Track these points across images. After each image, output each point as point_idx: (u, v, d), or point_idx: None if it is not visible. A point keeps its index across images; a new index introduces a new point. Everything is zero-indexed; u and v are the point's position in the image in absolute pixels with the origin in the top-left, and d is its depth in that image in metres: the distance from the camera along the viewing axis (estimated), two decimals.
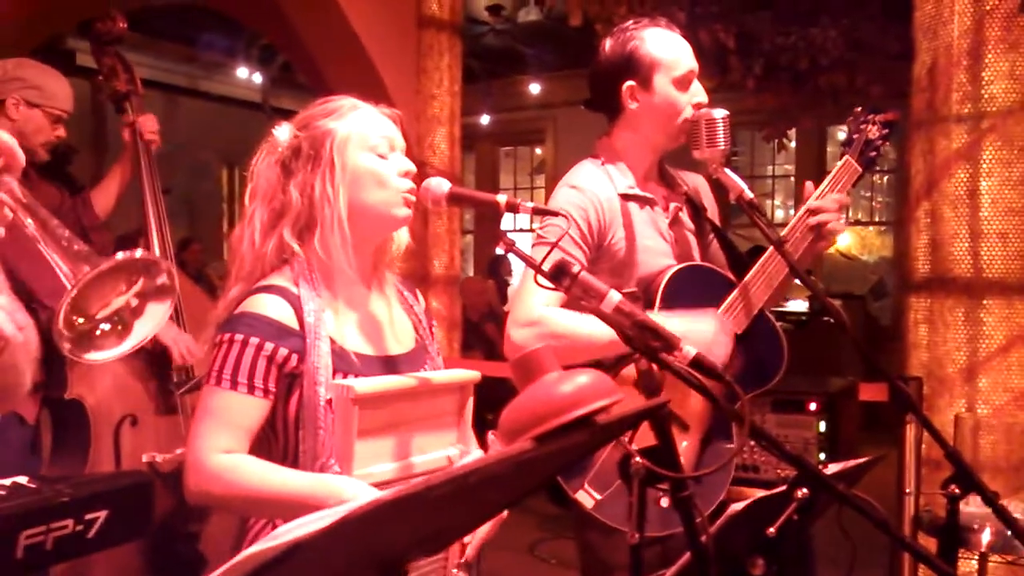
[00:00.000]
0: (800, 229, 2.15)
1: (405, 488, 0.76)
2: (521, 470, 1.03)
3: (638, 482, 1.29)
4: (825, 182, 2.24)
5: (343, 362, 1.61)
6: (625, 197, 2.18)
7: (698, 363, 1.34)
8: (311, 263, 1.65)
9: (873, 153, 2.27)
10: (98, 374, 2.85)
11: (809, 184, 2.22)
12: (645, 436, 1.32)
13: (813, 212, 2.15)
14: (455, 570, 1.68)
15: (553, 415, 1.05)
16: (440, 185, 1.62)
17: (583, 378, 1.11)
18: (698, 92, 2.17)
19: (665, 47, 2.16)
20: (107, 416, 2.81)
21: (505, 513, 1.72)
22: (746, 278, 2.16)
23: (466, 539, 1.71)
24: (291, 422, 1.60)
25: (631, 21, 2.22)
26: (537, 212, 1.66)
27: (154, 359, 2.94)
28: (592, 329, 1.85)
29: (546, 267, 1.45)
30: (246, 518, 1.69)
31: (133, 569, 2.72)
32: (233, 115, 10.80)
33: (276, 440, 1.63)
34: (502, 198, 1.57)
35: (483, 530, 1.73)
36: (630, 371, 1.47)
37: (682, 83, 2.15)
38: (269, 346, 1.57)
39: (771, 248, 2.11)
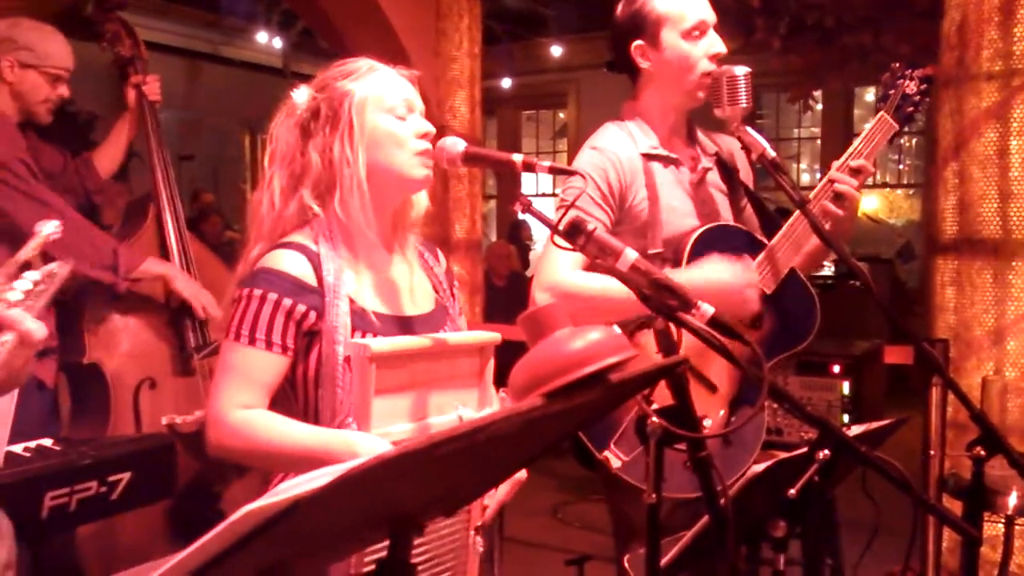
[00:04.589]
0: (822, 198, 2.12)
1: (408, 444, 0.75)
2: (531, 428, 1.02)
3: (655, 442, 1.28)
4: (859, 139, 2.20)
5: (362, 321, 1.62)
6: (648, 157, 2.15)
7: (716, 322, 1.32)
8: (331, 224, 1.66)
9: (911, 109, 2.22)
10: (116, 338, 2.87)
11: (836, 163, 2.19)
12: (668, 395, 1.31)
13: (833, 182, 2.13)
14: (472, 532, 1.68)
15: (563, 372, 1.03)
16: (455, 144, 1.60)
17: (594, 334, 1.08)
18: (714, 43, 2.13)
19: (671, 1, 2.12)
20: (126, 380, 2.84)
21: (524, 475, 1.71)
22: (773, 240, 2.14)
23: (485, 501, 1.71)
24: (311, 379, 1.61)
25: None
26: (554, 171, 1.64)
27: (172, 321, 2.95)
28: (614, 289, 1.83)
29: (563, 227, 1.43)
30: (268, 475, 1.70)
31: (156, 529, 2.75)
32: (254, 81, 10.77)
33: (296, 397, 1.64)
34: (518, 157, 1.55)
35: (501, 492, 1.74)
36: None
37: (692, 35, 2.12)
38: (287, 302, 1.58)
39: (796, 211, 2.09)
